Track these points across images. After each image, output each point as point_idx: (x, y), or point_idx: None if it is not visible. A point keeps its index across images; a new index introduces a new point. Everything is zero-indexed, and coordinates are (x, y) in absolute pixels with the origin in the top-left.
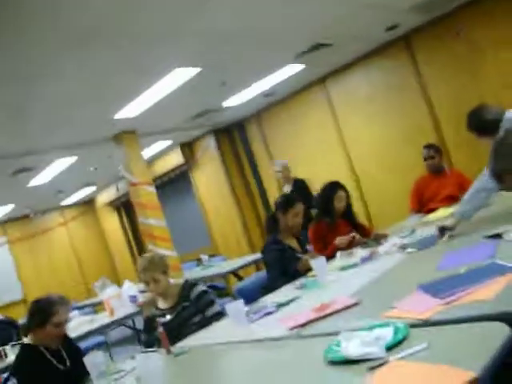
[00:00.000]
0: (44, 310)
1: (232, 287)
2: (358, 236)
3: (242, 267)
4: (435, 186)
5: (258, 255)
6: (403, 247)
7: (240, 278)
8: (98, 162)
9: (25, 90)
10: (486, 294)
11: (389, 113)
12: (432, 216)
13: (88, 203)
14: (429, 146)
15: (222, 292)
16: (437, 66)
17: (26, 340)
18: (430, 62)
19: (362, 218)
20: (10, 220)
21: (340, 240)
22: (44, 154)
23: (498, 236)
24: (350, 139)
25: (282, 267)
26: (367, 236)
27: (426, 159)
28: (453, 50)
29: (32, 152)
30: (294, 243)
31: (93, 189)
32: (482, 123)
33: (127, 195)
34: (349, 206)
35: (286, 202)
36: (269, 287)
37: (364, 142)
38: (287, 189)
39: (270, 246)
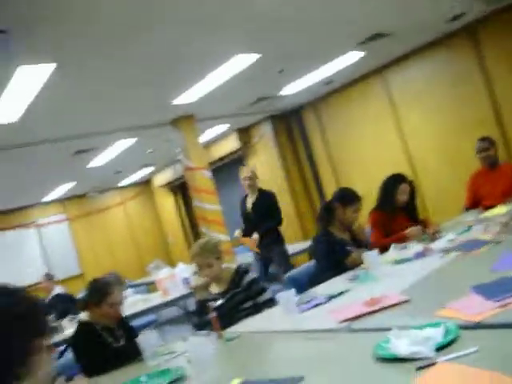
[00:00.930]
0: (100, 290)
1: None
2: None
3: (294, 254)
4: (490, 181)
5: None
6: (446, 251)
7: (292, 266)
8: (156, 145)
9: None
10: None
11: (449, 105)
12: (489, 213)
13: (145, 184)
14: (483, 139)
15: (274, 277)
16: (503, 57)
17: (82, 316)
18: (496, 53)
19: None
20: (70, 198)
21: (411, 232)
22: (105, 136)
23: None
24: (408, 131)
25: (331, 260)
26: (426, 228)
27: (479, 152)
28: None
29: (93, 133)
30: (346, 236)
31: (150, 170)
32: None
33: (184, 177)
34: (412, 200)
35: (350, 196)
36: (317, 279)
37: (422, 135)
38: (251, 200)
39: (321, 238)
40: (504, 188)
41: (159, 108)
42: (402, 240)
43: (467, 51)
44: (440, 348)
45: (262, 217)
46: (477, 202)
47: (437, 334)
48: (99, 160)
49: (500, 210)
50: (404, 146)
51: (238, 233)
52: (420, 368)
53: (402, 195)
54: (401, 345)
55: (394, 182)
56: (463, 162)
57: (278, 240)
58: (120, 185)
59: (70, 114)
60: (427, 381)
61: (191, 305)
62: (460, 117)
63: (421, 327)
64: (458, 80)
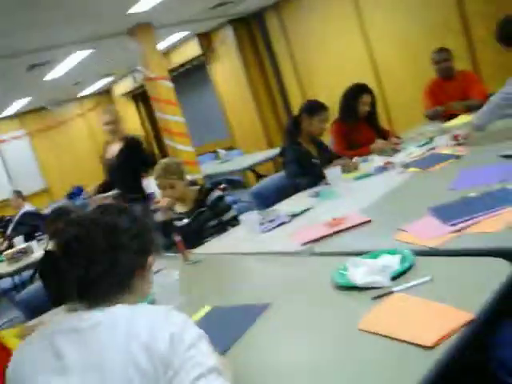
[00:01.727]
0: (61, 218)
1: (249, 180)
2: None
3: (259, 163)
4: (448, 91)
5: (276, 151)
6: (405, 166)
7: (257, 175)
8: (114, 55)
9: None
10: (493, 226)
11: (413, 6)
12: (450, 123)
13: (105, 94)
14: (440, 50)
15: (239, 185)
16: None
17: (49, 246)
18: None
19: (382, 120)
20: (28, 113)
21: (376, 146)
22: (59, 48)
23: None
24: (373, 33)
25: (300, 167)
26: (386, 139)
27: (438, 63)
28: None
29: (48, 47)
30: (312, 148)
31: (110, 79)
32: (509, 34)
33: (144, 86)
34: (373, 110)
35: (316, 106)
36: (290, 186)
37: (387, 38)
38: (115, 148)
39: (290, 147)
40: (461, 96)
41: (115, 17)
42: (365, 153)
43: None
44: (396, 276)
45: (128, 169)
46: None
47: (393, 262)
48: (56, 72)
49: (460, 120)
50: (369, 51)
51: (91, 189)
52: (376, 297)
53: (364, 106)
54: (358, 274)
55: (355, 92)
56: (429, 67)
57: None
58: (79, 95)
59: (22, 27)
60: (382, 310)
61: (157, 218)
62: (424, 20)
63: (377, 254)
64: None
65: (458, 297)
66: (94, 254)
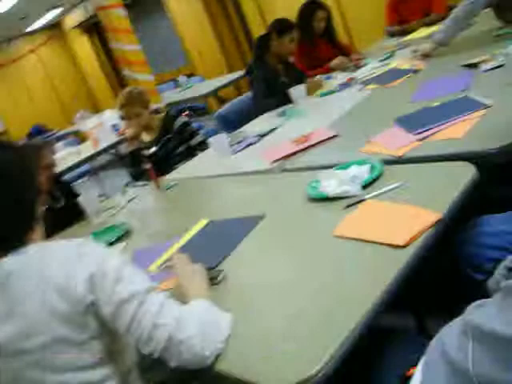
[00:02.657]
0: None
1: (212, 107)
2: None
3: (221, 87)
4: (410, 5)
5: (238, 74)
6: (364, 83)
7: (220, 100)
8: None
9: None
10: (456, 133)
11: None
12: (411, 36)
13: (56, 27)
14: None
15: (202, 112)
16: None
17: None
18: None
19: (342, 37)
20: None
21: (336, 62)
22: None
23: (474, 65)
24: None
25: (268, 87)
26: (348, 55)
27: None
28: None
29: None
30: (280, 68)
31: (59, 11)
32: None
33: (97, 16)
34: (329, 25)
35: (285, 25)
36: (257, 107)
37: None
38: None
39: (257, 64)
40: (424, 10)
41: None
42: (326, 71)
43: None
44: (366, 185)
45: None
46: (399, 22)
47: (363, 172)
48: (0, 7)
49: (421, 33)
50: None
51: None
52: (349, 206)
53: (320, 22)
54: (330, 185)
55: (309, 10)
56: None
57: None
58: (28, 30)
59: None
60: (355, 217)
61: (123, 149)
62: None
63: (348, 165)
64: None
65: (427, 199)
66: None
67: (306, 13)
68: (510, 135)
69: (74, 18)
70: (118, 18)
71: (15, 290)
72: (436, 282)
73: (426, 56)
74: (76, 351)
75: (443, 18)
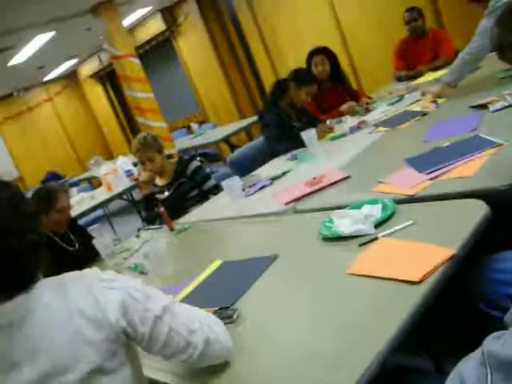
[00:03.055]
0: (46, 198)
1: (224, 153)
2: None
3: (233, 134)
4: (418, 50)
5: (249, 120)
6: (375, 126)
7: (232, 146)
8: (77, 35)
9: None
10: (467, 171)
11: None
12: (419, 81)
13: (71, 76)
14: (411, 9)
15: (214, 158)
16: None
17: None
18: None
19: (352, 84)
20: None
21: (345, 107)
22: (20, 32)
23: (483, 106)
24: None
25: (281, 131)
26: (357, 100)
27: (408, 22)
28: None
29: (7, 31)
30: (292, 113)
31: (75, 61)
32: None
33: (111, 65)
34: (336, 70)
35: (307, 77)
36: (270, 150)
37: (352, 2)
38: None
39: (270, 109)
40: (432, 54)
41: None
42: (336, 116)
43: None
44: (379, 224)
45: None
46: (407, 67)
47: (375, 211)
48: (19, 57)
49: (428, 77)
50: (334, 15)
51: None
52: (362, 244)
53: (317, 67)
54: (343, 224)
55: (308, 56)
56: (394, 29)
57: None
58: (45, 80)
59: None
60: (369, 255)
61: (137, 195)
62: None
63: (360, 205)
64: None
65: (439, 237)
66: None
67: (307, 60)
68: None
69: (89, 67)
70: (131, 66)
71: (36, 328)
72: (451, 320)
73: (436, 97)
74: (109, 380)
75: (451, 62)
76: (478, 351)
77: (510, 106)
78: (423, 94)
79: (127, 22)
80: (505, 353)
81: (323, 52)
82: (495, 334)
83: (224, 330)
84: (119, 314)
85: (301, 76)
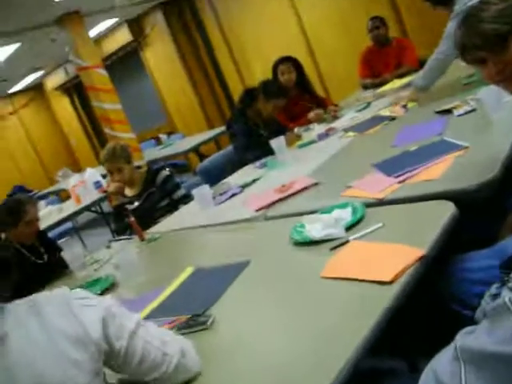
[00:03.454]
0: (14, 210)
1: (193, 164)
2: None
3: (202, 144)
4: (382, 58)
5: (217, 130)
6: (345, 130)
7: (201, 156)
8: (42, 47)
9: None
10: (434, 174)
11: None
12: (386, 88)
13: (37, 88)
14: (374, 18)
15: (183, 169)
16: None
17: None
18: None
19: (318, 92)
20: None
21: (312, 115)
22: None
23: (448, 111)
24: (303, 8)
25: (249, 140)
26: (325, 108)
27: (371, 30)
28: None
29: None
30: (259, 121)
31: (40, 73)
32: None
33: (77, 77)
34: (300, 76)
35: (274, 91)
36: (239, 159)
37: (317, 11)
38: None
39: (238, 118)
40: (396, 62)
41: (41, 7)
42: (304, 124)
43: None
44: (350, 227)
45: None
46: (372, 75)
47: (345, 215)
48: None
49: (393, 84)
50: (299, 24)
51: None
52: (333, 248)
53: (283, 75)
54: (314, 229)
55: (274, 65)
56: (360, 37)
57: None
58: (10, 92)
59: None
60: (341, 258)
61: (106, 207)
62: None
63: (330, 210)
64: None
65: (409, 238)
66: None
67: (273, 69)
68: (487, 173)
69: (55, 79)
70: (98, 77)
71: (15, 355)
72: (423, 320)
73: (410, 101)
74: None
75: (415, 70)
76: (451, 346)
77: (473, 110)
78: (395, 99)
79: (93, 32)
80: (477, 345)
81: (289, 60)
82: (467, 328)
83: (191, 344)
84: (100, 331)
85: (270, 89)
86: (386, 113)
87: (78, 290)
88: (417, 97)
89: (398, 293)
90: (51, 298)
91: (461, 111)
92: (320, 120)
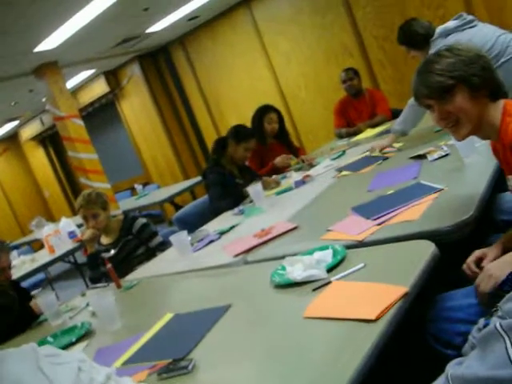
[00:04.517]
0: None
1: (168, 214)
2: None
3: (177, 194)
4: (356, 109)
5: (193, 181)
6: (339, 170)
7: (176, 206)
8: (18, 97)
9: None
10: (413, 215)
11: (314, 34)
12: (360, 137)
13: (11, 139)
14: (347, 69)
15: (158, 219)
16: None
17: None
18: None
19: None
20: None
21: (279, 159)
22: None
23: (421, 157)
24: (278, 62)
25: (224, 189)
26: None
27: (344, 81)
28: None
29: None
30: (234, 170)
31: (15, 123)
32: (411, 36)
33: (53, 127)
34: (282, 128)
35: (244, 134)
36: (214, 209)
37: (291, 65)
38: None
39: (213, 168)
40: (370, 112)
41: (19, 57)
42: (274, 169)
43: None
44: (331, 268)
45: None
46: (346, 124)
47: (326, 256)
48: None
49: (367, 133)
50: (274, 77)
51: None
52: (316, 289)
53: (270, 124)
54: (296, 270)
55: (260, 113)
56: (332, 88)
57: None
58: None
59: None
60: (324, 298)
61: (80, 258)
62: (326, 45)
63: (311, 252)
64: (322, 9)
65: (391, 277)
66: None
67: (258, 115)
68: (464, 213)
69: (30, 129)
70: (74, 128)
71: None
72: (408, 358)
73: (388, 147)
74: None
75: (388, 120)
76: (442, 377)
77: (446, 155)
78: (372, 150)
79: (71, 83)
80: (470, 373)
81: (275, 110)
82: (456, 360)
83: None
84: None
85: (239, 132)
86: (375, 154)
87: (47, 346)
88: (396, 142)
89: (384, 330)
90: (20, 354)
91: (435, 156)
92: (285, 163)
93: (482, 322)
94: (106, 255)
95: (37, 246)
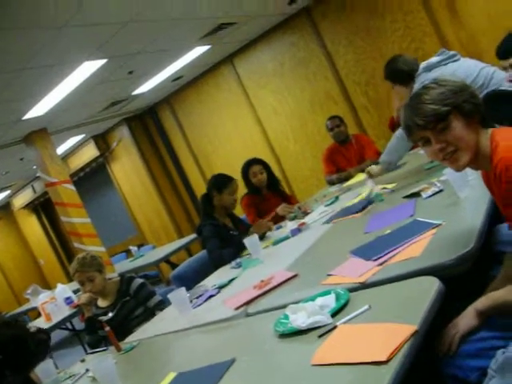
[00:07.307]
0: None
1: (165, 274)
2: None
3: (173, 253)
4: (345, 156)
5: (188, 239)
6: (328, 221)
7: (172, 265)
8: (9, 166)
9: None
10: (413, 252)
11: (298, 85)
12: (351, 182)
13: (3, 208)
14: (333, 117)
15: (156, 280)
16: (339, 35)
17: None
18: (333, 31)
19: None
20: None
21: (280, 208)
22: None
23: (415, 195)
24: (263, 115)
25: (221, 240)
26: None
27: (331, 129)
28: (352, 18)
29: None
30: (228, 222)
31: (7, 193)
32: (396, 72)
33: (45, 195)
34: (271, 177)
35: (222, 181)
36: (215, 259)
37: (277, 117)
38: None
39: (206, 222)
40: (358, 157)
41: (9, 126)
42: (274, 218)
43: (308, 31)
44: (335, 313)
45: None
46: (336, 171)
47: (330, 301)
48: None
49: (358, 177)
50: (262, 130)
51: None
52: (321, 335)
53: (256, 176)
54: (299, 318)
55: (245, 169)
56: (320, 138)
57: None
58: None
59: None
60: (331, 343)
61: (78, 324)
62: (310, 95)
63: (313, 298)
64: (304, 60)
65: (398, 316)
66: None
67: (244, 171)
68: (465, 246)
69: (22, 197)
70: (66, 193)
71: None
72: None
73: (375, 176)
74: None
75: (376, 163)
76: None
77: (440, 191)
78: (368, 173)
79: (61, 149)
80: None
81: (258, 162)
82: None
83: None
84: None
85: (217, 182)
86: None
87: None
88: (384, 172)
89: (397, 371)
90: None
91: (429, 193)
92: (291, 217)
93: (499, 353)
94: (103, 318)
95: (33, 314)
